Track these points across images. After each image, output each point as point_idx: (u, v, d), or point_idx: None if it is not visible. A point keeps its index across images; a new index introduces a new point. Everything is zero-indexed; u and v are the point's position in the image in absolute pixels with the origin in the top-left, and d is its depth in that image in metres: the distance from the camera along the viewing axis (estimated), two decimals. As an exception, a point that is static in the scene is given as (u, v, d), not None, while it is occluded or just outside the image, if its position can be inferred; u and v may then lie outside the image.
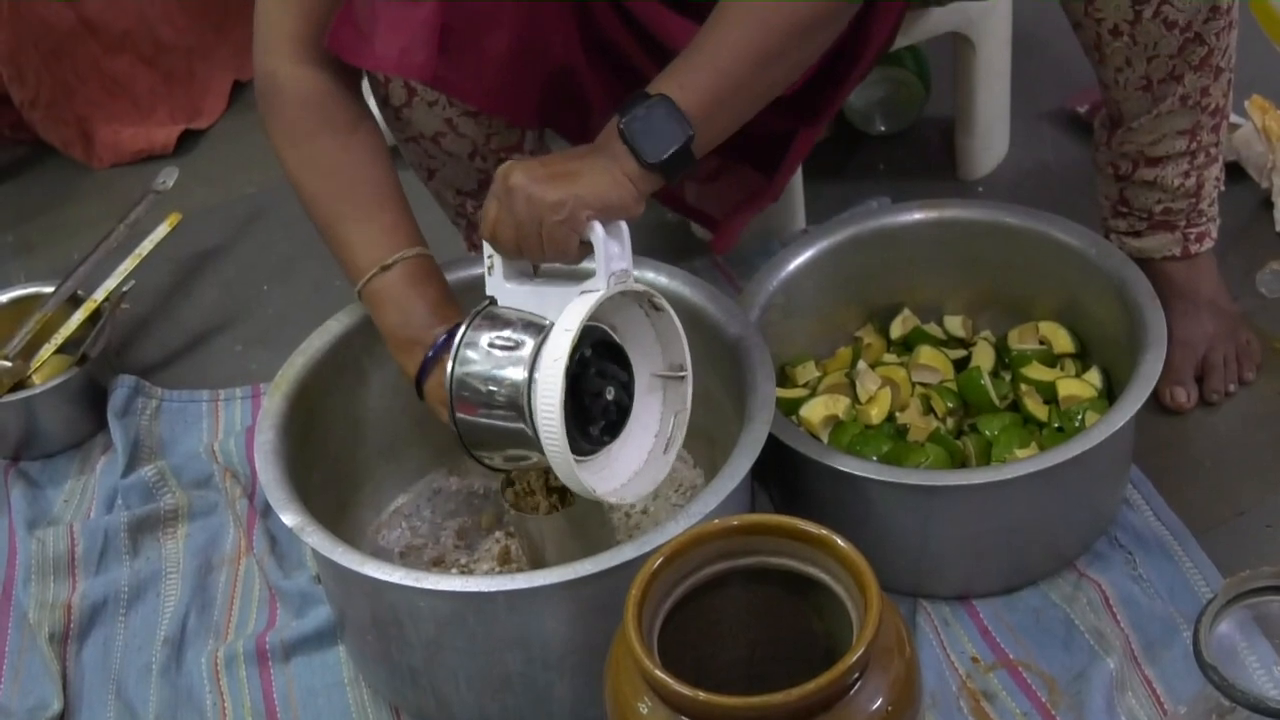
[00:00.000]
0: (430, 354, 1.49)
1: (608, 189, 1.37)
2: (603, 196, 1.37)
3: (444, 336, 1.49)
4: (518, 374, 1.37)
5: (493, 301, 1.43)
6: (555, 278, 1.43)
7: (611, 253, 1.37)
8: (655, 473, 1.46)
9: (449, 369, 1.40)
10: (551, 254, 1.38)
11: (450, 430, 1.43)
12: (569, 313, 1.36)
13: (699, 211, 1.90)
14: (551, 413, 1.34)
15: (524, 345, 1.38)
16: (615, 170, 1.38)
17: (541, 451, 1.37)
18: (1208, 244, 1.82)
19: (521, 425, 1.38)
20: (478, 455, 1.45)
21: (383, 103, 1.66)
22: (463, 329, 1.41)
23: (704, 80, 1.41)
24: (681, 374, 1.46)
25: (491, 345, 1.39)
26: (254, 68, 1.60)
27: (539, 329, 1.39)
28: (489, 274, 1.44)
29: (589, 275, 1.38)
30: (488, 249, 1.43)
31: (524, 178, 1.36)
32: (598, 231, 1.36)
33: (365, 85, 1.66)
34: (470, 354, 1.40)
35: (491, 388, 1.39)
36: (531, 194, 1.35)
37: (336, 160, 1.58)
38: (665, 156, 1.37)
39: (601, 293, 1.37)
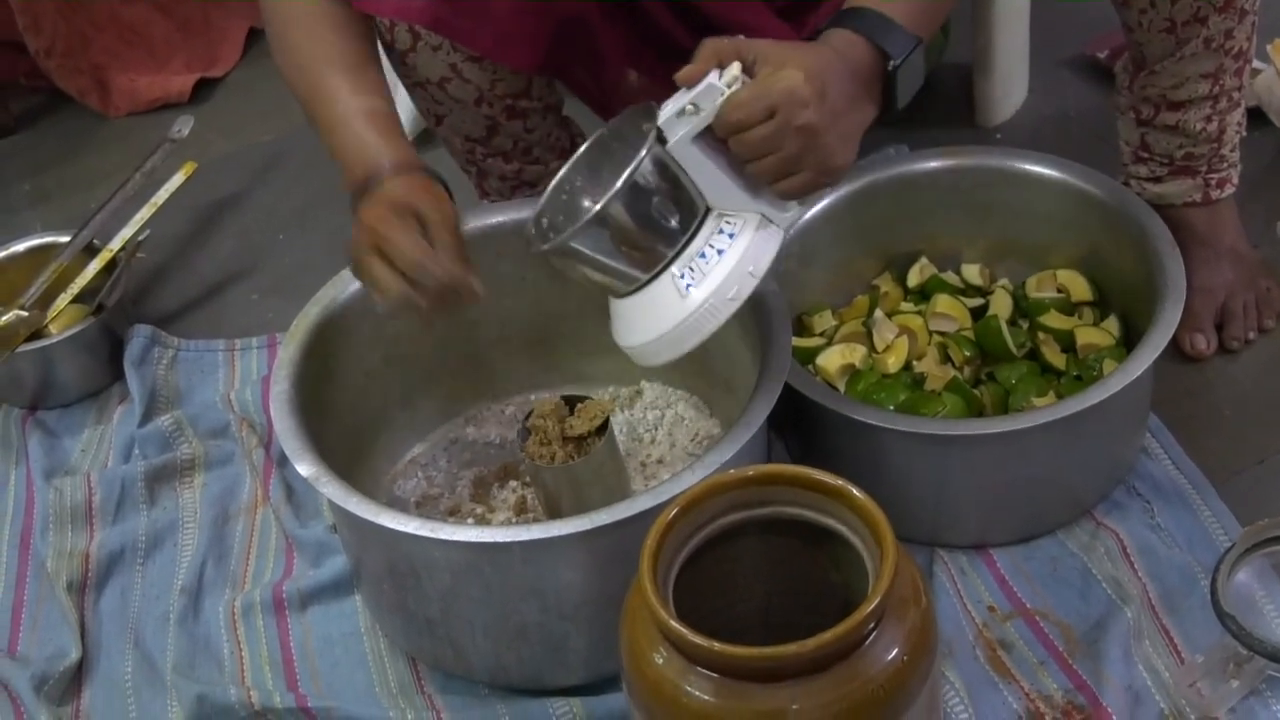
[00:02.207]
0: (358, 189, 1.46)
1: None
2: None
3: (387, 166, 1.45)
4: (652, 256, 1.36)
5: (662, 138, 1.34)
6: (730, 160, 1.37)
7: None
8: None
9: (618, 184, 1.31)
10: (785, 191, 1.36)
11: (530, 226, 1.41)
12: (758, 251, 1.36)
13: None
14: (699, 334, 1.36)
15: (672, 224, 1.35)
16: (869, 117, 1.39)
17: (622, 292, 1.39)
18: (1229, 190, 1.80)
19: (616, 281, 1.38)
20: (549, 250, 1.37)
21: (388, 48, 1.65)
22: (639, 157, 1.31)
23: (934, 20, 1.42)
24: None
25: (659, 203, 1.34)
26: None
27: (694, 212, 1.36)
28: (680, 114, 1.33)
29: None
30: (693, 95, 1.32)
31: (820, 121, 1.32)
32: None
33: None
34: (626, 202, 1.32)
35: (624, 243, 1.35)
36: (821, 146, 1.33)
37: (309, 34, 1.55)
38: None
39: (784, 234, 1.39)
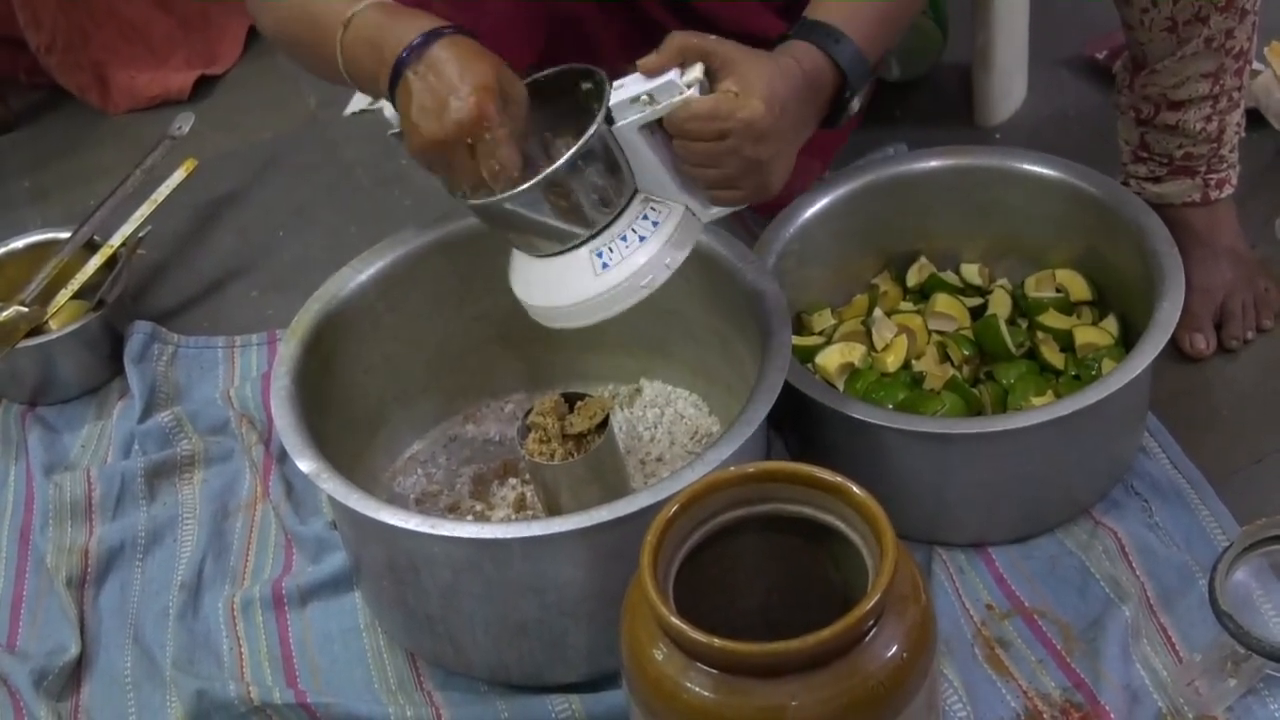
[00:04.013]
0: (404, 54, 1.34)
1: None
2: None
3: (419, 39, 1.34)
4: (577, 227, 1.36)
5: (610, 120, 1.35)
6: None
7: None
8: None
9: (558, 164, 1.30)
10: (717, 200, 1.39)
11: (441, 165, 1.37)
12: (678, 243, 1.38)
13: None
14: (605, 312, 1.37)
15: (601, 200, 1.35)
16: (809, 134, 1.41)
17: (539, 254, 1.39)
18: (1228, 190, 1.81)
19: (539, 241, 1.38)
20: (480, 206, 1.36)
21: None
22: (587, 136, 1.31)
23: (888, 41, 1.46)
24: None
25: (594, 179, 1.34)
26: None
27: (624, 192, 1.37)
28: (633, 101, 1.33)
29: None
30: (651, 86, 1.33)
31: (769, 155, 1.35)
32: None
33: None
34: (571, 173, 1.32)
35: (554, 212, 1.34)
36: (763, 174, 1.36)
37: None
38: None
39: (703, 226, 1.42)
